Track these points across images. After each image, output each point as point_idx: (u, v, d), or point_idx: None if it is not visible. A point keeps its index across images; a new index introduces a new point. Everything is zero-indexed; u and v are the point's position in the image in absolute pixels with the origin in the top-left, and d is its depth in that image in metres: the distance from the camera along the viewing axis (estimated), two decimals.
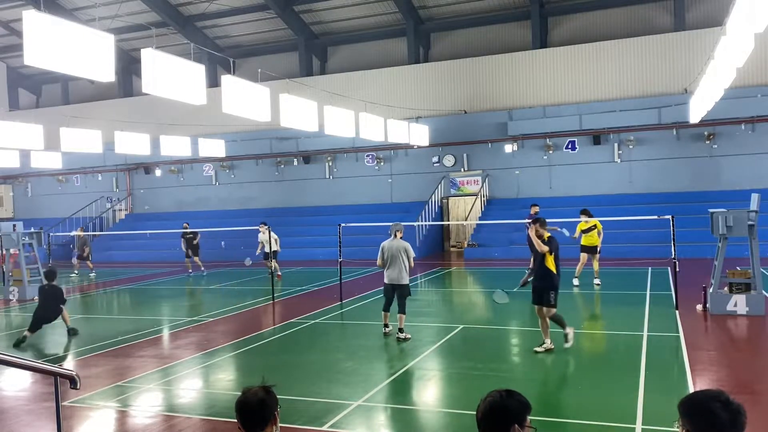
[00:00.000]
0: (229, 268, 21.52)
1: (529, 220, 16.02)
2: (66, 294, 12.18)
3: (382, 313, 10.17)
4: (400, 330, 9.79)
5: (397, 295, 9.97)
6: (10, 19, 28.69)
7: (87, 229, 29.70)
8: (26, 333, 10.69)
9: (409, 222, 23.08)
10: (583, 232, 14.61)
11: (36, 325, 10.85)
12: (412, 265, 10.05)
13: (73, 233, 21.52)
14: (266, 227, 17.79)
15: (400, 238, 10.10)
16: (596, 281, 14.64)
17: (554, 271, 8.62)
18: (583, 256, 14.72)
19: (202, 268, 20.03)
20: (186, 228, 20.17)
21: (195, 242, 19.97)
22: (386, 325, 10.13)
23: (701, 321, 10.60)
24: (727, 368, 7.96)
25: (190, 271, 20.11)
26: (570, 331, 8.69)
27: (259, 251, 18.81)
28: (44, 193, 33.10)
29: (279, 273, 17.95)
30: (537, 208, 15.89)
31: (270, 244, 17.36)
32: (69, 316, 11.48)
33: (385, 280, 10.09)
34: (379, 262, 10.11)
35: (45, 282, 11.77)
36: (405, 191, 26.46)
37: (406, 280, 9.96)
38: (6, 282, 17.17)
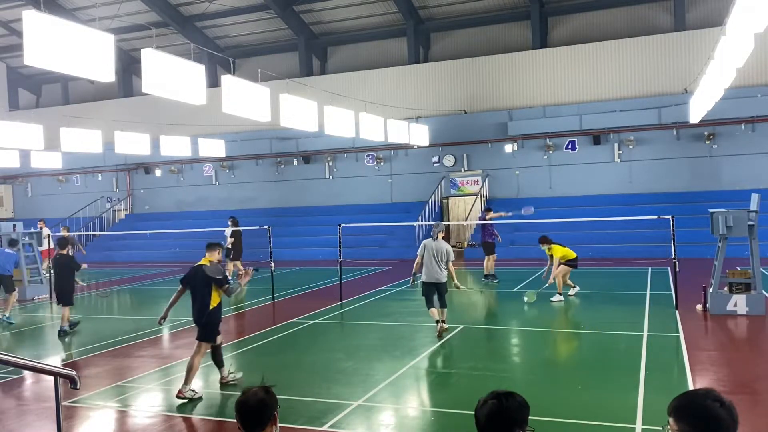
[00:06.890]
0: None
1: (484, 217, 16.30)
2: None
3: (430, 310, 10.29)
4: (442, 321, 10.16)
5: (438, 292, 10.26)
6: (10, 19, 28.68)
7: (88, 229, 29.79)
8: (64, 322, 10.81)
9: (409, 222, 23.09)
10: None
11: (60, 298, 10.96)
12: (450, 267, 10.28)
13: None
14: None
15: (442, 238, 10.31)
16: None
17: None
18: (563, 268, 14.34)
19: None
20: None
21: None
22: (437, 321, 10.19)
23: (701, 321, 10.60)
24: (727, 368, 7.96)
25: None
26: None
27: None
28: (44, 193, 33.09)
29: None
30: (491, 212, 16.12)
31: None
32: (69, 315, 11.33)
33: (424, 278, 10.27)
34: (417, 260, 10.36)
35: (57, 252, 11.49)
36: (405, 191, 26.45)
37: (444, 278, 10.22)
38: None
